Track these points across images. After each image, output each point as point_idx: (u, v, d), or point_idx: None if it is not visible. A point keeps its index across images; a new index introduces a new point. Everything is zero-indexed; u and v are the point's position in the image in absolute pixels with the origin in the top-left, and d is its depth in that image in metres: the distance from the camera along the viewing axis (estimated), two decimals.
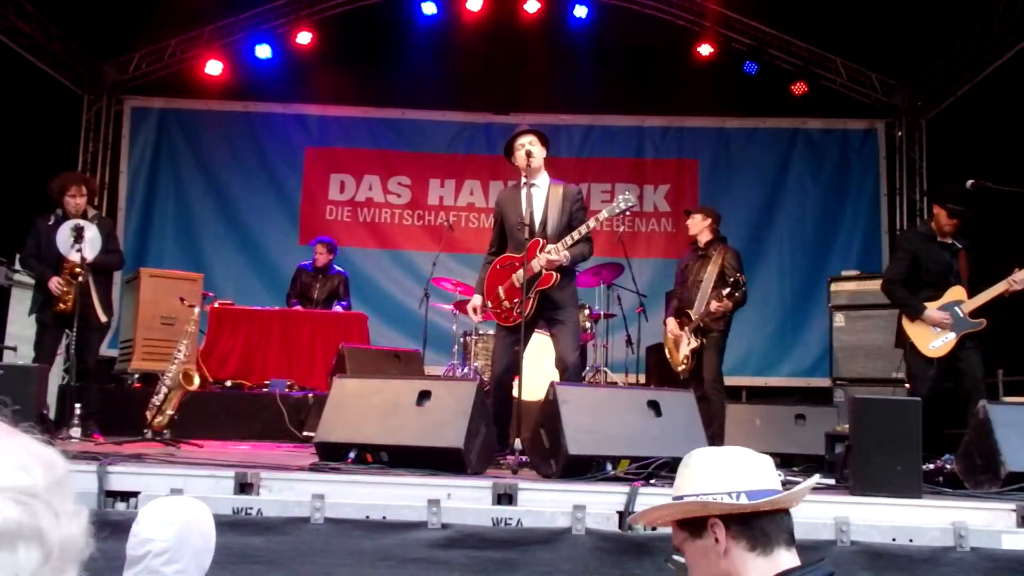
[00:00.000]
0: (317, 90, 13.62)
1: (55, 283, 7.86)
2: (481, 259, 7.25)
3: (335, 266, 11.60)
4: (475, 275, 7.52)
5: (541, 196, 6.82)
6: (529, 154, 6.73)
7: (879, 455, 4.86)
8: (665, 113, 13.71)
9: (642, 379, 10.95)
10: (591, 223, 6.67)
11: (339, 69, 13.30)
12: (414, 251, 13.51)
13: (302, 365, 10.44)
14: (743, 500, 2.27)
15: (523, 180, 6.84)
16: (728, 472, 2.33)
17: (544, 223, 6.75)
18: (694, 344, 8.51)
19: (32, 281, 8.47)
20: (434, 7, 12.88)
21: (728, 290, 8.27)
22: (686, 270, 8.87)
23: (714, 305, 8.31)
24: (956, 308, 7.10)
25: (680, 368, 8.68)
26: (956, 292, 7.17)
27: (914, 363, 7.40)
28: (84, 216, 8.13)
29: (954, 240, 7.31)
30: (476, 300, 7.01)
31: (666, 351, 9.03)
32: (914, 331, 7.30)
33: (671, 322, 8.81)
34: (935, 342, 7.16)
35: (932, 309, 7.18)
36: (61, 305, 7.87)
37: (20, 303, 8.66)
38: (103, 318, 7.88)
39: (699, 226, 8.84)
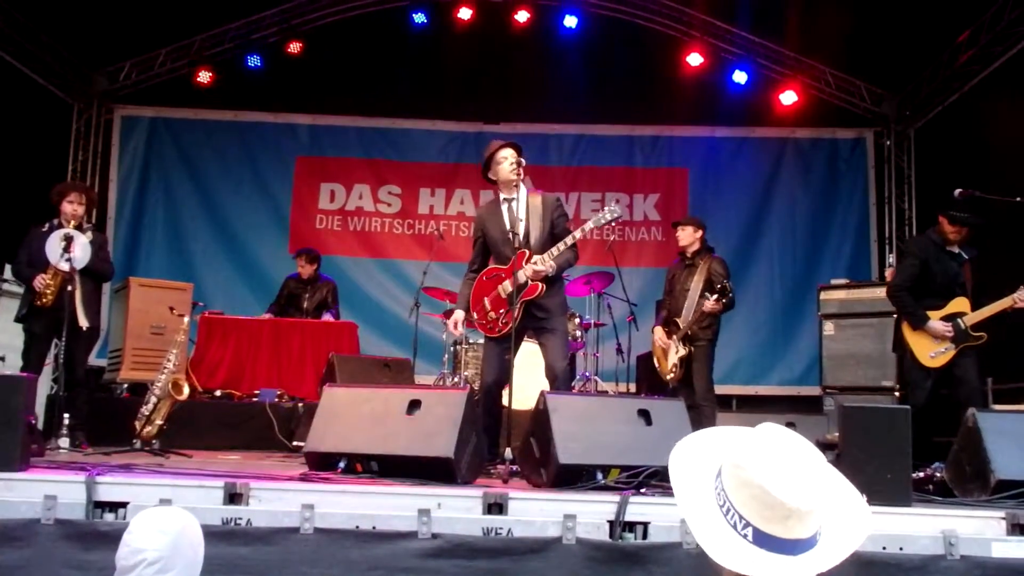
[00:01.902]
0: (307, 99, 13.63)
1: (39, 279, 7.84)
2: None
3: (323, 274, 11.59)
4: None
5: (521, 209, 6.80)
6: (520, 163, 6.72)
7: (869, 463, 4.87)
8: (655, 122, 13.74)
9: (632, 388, 10.94)
10: (577, 233, 6.71)
11: (329, 78, 13.31)
12: (404, 260, 13.51)
13: (292, 374, 10.42)
14: (747, 540, 1.91)
15: (502, 196, 6.87)
16: (760, 480, 1.89)
17: (527, 235, 6.75)
18: (682, 352, 8.53)
19: (21, 290, 8.44)
20: (424, 17, 12.89)
21: (716, 295, 8.33)
22: (674, 279, 8.92)
23: (708, 305, 8.34)
24: (959, 320, 7.11)
25: (668, 377, 8.71)
26: (960, 304, 7.17)
27: (911, 370, 7.42)
28: (80, 227, 8.12)
29: (961, 250, 7.31)
30: (458, 315, 7.00)
31: (655, 360, 9.05)
32: (914, 339, 7.31)
33: (659, 331, 8.84)
34: (934, 351, 7.17)
35: (935, 320, 7.18)
36: (41, 300, 7.85)
37: (8, 312, 8.63)
38: (84, 324, 7.84)
39: (691, 237, 8.89)
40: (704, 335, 8.55)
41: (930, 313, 7.23)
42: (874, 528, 4.40)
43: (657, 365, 8.98)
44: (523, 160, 6.76)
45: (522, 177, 6.81)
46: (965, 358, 7.14)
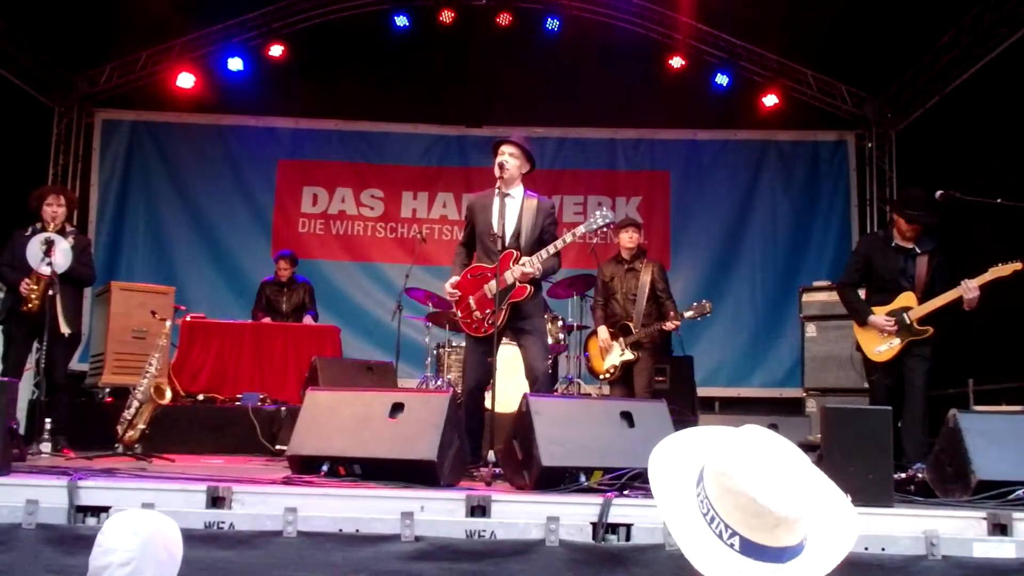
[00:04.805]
0: (289, 103, 13.60)
1: (24, 283, 7.82)
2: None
3: (298, 276, 11.60)
4: None
5: (515, 207, 6.80)
6: (501, 166, 6.70)
7: (851, 464, 4.88)
8: (637, 125, 13.76)
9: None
10: (568, 237, 6.69)
11: (311, 82, 13.29)
12: (387, 264, 13.50)
13: (274, 378, 10.40)
14: (733, 549, 1.88)
15: (498, 189, 6.76)
16: (746, 488, 1.85)
17: (517, 235, 6.74)
18: (628, 357, 8.66)
19: (2, 295, 8.41)
20: (406, 20, 12.87)
21: (691, 312, 8.61)
22: (612, 282, 8.98)
23: (668, 325, 8.60)
24: (904, 315, 7.06)
25: (604, 376, 8.84)
26: (906, 298, 7.11)
27: (868, 370, 7.44)
28: (63, 229, 8.11)
29: (916, 245, 7.30)
30: (453, 279, 6.95)
31: (588, 356, 9.10)
32: (862, 336, 7.29)
33: (604, 331, 8.85)
34: (880, 347, 7.12)
35: (878, 315, 7.15)
36: (28, 305, 7.82)
37: None
38: (65, 330, 7.81)
39: (637, 240, 9.08)
40: (648, 340, 8.68)
41: (876, 309, 7.19)
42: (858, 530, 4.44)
43: (589, 362, 9.06)
44: (507, 164, 6.71)
45: (506, 179, 6.76)
46: (913, 358, 7.09)
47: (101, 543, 2.82)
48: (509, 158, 6.76)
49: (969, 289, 6.85)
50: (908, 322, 7.02)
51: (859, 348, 7.43)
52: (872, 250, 7.50)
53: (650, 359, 8.79)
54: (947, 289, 6.98)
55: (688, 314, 8.66)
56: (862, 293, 7.55)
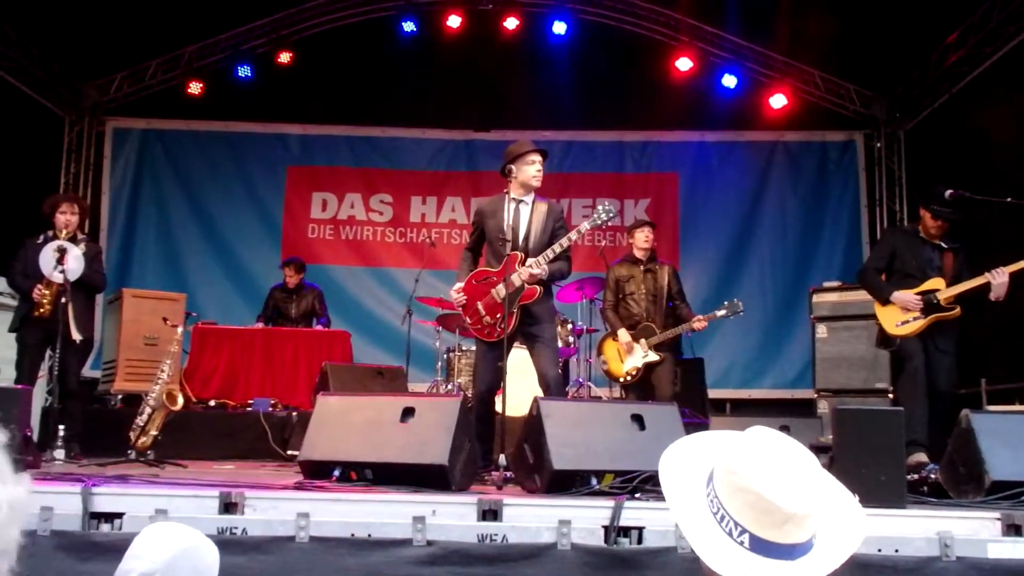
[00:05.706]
0: (298, 109, 13.64)
1: (36, 290, 7.89)
2: None
3: (307, 282, 11.61)
4: None
5: (526, 211, 6.81)
6: (530, 175, 6.74)
7: (863, 465, 4.88)
8: (644, 128, 13.74)
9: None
10: (572, 235, 6.69)
11: (320, 88, 13.32)
12: (396, 268, 13.50)
13: (285, 383, 10.42)
14: (743, 547, 1.88)
15: (511, 195, 6.78)
16: (755, 486, 1.86)
17: (527, 238, 6.74)
18: (652, 358, 8.61)
19: (14, 303, 8.45)
20: (413, 25, 12.91)
21: (723, 312, 8.64)
22: (629, 282, 8.93)
23: (698, 324, 8.56)
24: (931, 295, 7.04)
25: (625, 379, 8.81)
26: (935, 282, 7.08)
27: (892, 369, 7.41)
28: (74, 237, 8.15)
29: (942, 242, 7.28)
30: (458, 285, 6.94)
31: (603, 358, 9.05)
32: (882, 313, 7.23)
33: (625, 333, 8.80)
34: (900, 321, 7.09)
35: (904, 292, 7.12)
36: (39, 311, 7.88)
37: (2, 324, 8.63)
38: (76, 336, 7.84)
39: (652, 240, 9.04)
40: (672, 340, 8.78)
41: (903, 291, 7.19)
42: (869, 530, 4.43)
43: (605, 365, 9.00)
44: (542, 173, 6.80)
45: (534, 186, 6.81)
46: (941, 357, 7.07)
47: (132, 547, 2.82)
48: (542, 167, 6.81)
49: (998, 274, 6.83)
50: (936, 301, 6.98)
51: (880, 343, 7.39)
52: (900, 240, 7.49)
53: (672, 360, 8.81)
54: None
55: (720, 313, 8.69)
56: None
